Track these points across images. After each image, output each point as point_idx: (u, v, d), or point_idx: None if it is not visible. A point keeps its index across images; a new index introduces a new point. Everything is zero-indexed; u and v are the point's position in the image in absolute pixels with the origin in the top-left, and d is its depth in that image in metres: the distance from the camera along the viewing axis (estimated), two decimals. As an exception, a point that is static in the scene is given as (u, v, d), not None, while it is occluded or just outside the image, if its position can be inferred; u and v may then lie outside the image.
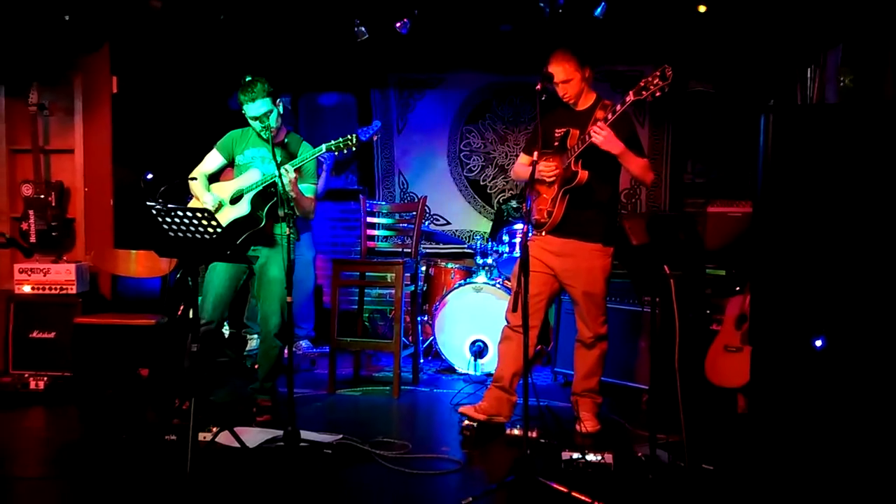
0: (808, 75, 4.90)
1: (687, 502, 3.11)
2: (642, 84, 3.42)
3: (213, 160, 4.19)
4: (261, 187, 3.94)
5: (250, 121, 4.01)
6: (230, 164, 4.18)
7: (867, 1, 4.29)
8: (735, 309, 4.21)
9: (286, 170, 3.80)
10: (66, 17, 4.90)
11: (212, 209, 3.92)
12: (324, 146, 3.92)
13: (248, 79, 3.98)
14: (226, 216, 3.96)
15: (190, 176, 4.15)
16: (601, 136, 3.55)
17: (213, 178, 4.21)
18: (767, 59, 5.51)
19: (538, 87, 3.42)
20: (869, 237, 2.50)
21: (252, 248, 4.06)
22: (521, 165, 4.09)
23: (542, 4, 5.02)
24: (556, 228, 3.80)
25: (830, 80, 4.67)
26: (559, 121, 3.87)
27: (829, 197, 2.53)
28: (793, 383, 2.60)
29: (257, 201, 3.96)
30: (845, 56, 4.49)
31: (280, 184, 3.68)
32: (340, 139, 3.92)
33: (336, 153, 3.94)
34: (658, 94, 3.39)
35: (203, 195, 4.07)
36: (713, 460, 3.32)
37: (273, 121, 3.97)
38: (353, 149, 3.94)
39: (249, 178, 4.00)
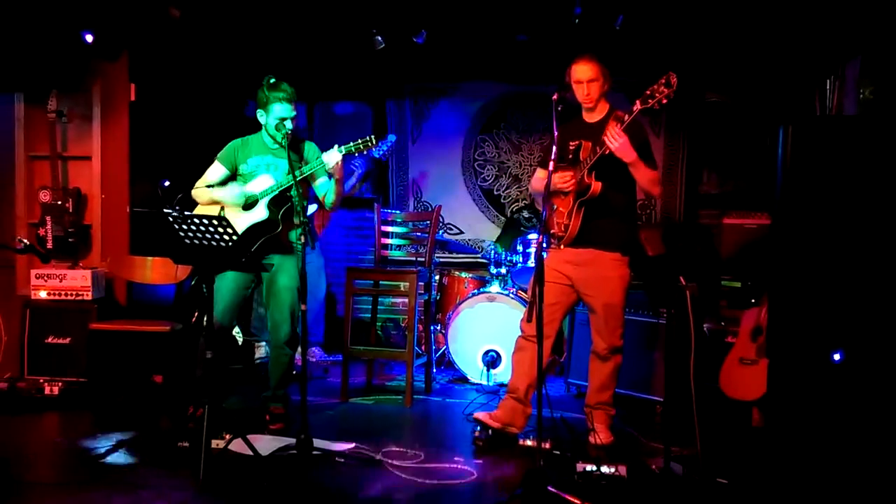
0: (828, 87, 4.88)
1: (702, 516, 3.09)
2: (648, 92, 3.45)
3: (215, 172, 4.14)
4: (277, 192, 3.93)
5: (272, 121, 3.95)
6: (233, 174, 4.14)
7: (886, 12, 4.26)
8: (751, 321, 4.18)
9: (301, 171, 3.82)
10: (86, 28, 4.95)
11: (239, 203, 3.94)
12: (342, 148, 3.88)
13: (272, 80, 3.96)
14: (243, 221, 3.96)
15: (195, 187, 4.14)
16: (617, 142, 3.54)
17: None
18: (785, 70, 5.48)
19: (555, 96, 3.41)
20: (888, 251, 2.48)
21: (265, 256, 4.06)
22: (538, 179, 4.06)
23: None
24: (574, 241, 3.79)
25: (850, 92, 4.65)
26: (572, 133, 3.85)
27: (848, 210, 2.51)
28: (810, 397, 2.58)
29: (273, 206, 3.96)
30: (864, 68, 4.47)
31: (296, 190, 3.68)
32: (360, 140, 3.88)
33: (356, 154, 3.92)
34: (664, 101, 3.41)
35: (219, 192, 4.03)
36: (728, 474, 3.29)
37: (290, 125, 3.97)
38: (373, 150, 3.92)
39: (262, 184, 3.98)
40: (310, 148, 4.16)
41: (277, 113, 3.94)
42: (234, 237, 3.23)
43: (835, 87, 4.81)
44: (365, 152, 3.93)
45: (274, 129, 3.95)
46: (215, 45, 5.65)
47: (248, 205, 4.00)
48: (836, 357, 2.50)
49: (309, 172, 3.96)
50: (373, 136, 3.90)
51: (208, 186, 4.12)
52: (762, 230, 4.89)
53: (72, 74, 5.16)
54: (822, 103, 4.99)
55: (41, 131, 5.13)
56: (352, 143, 3.89)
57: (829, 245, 2.54)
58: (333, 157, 3.88)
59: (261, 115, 4.02)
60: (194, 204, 4.18)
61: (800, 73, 5.30)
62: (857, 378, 2.50)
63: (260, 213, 3.94)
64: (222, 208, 4.02)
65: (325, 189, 4.09)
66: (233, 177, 4.15)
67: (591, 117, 3.86)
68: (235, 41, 5.64)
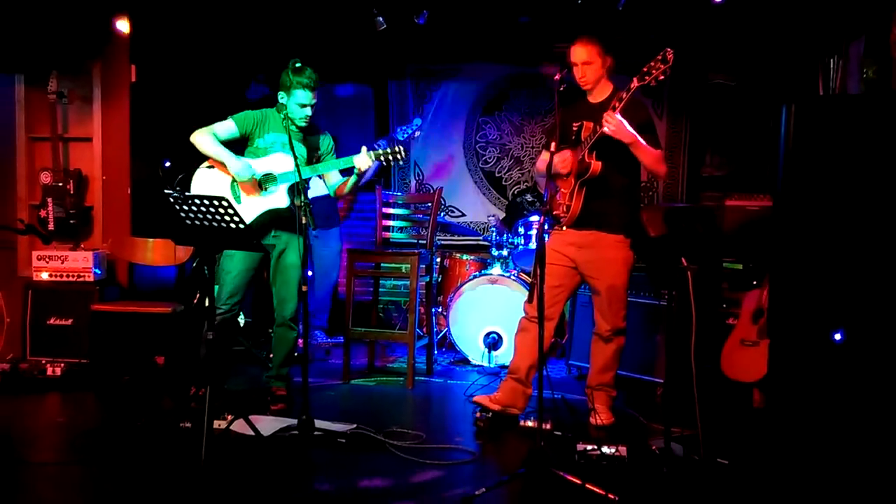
0: (831, 66, 4.84)
1: (701, 496, 3.09)
2: (645, 69, 3.44)
3: (226, 128, 4.01)
4: (294, 182, 3.89)
5: (293, 106, 3.95)
6: (241, 141, 4.09)
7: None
8: (752, 303, 4.18)
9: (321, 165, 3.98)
10: (88, 9, 4.92)
11: (244, 178, 3.93)
12: (372, 153, 3.95)
13: (298, 64, 3.93)
14: (260, 205, 3.96)
15: (199, 132, 4.00)
16: (612, 124, 3.53)
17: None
18: (788, 50, 5.45)
19: (557, 77, 3.40)
20: (890, 231, 2.46)
21: (273, 233, 4.06)
22: (542, 161, 4.05)
23: None
24: (576, 222, 3.78)
25: (853, 71, 4.61)
26: (576, 114, 3.84)
27: (850, 190, 2.50)
28: (811, 377, 2.58)
29: (290, 192, 3.99)
30: (868, 47, 4.44)
31: (298, 175, 3.68)
32: (388, 150, 3.97)
33: (383, 163, 4.02)
34: (661, 77, 3.41)
35: (228, 157, 3.94)
36: (728, 454, 3.30)
37: (309, 112, 3.99)
38: (400, 163, 3.96)
39: (280, 165, 3.95)
40: (325, 140, 4.19)
41: (299, 99, 3.94)
42: (236, 217, 3.21)
43: (838, 67, 4.78)
44: (392, 160, 4.01)
45: (303, 116, 3.97)
46: (216, 26, 5.62)
47: (264, 185, 3.99)
48: (837, 337, 2.50)
49: (327, 172, 4.06)
50: (401, 148, 3.98)
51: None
52: (764, 212, 4.87)
53: (72, 55, 5.13)
54: (825, 83, 4.95)
55: (42, 113, 5.11)
56: (380, 150, 3.98)
57: (831, 226, 2.53)
58: (365, 161, 3.96)
59: (282, 98, 3.99)
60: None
61: (803, 52, 5.26)
62: (857, 358, 2.50)
63: (281, 199, 3.96)
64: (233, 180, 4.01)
65: (337, 184, 4.17)
66: (240, 143, 4.10)
67: (595, 98, 3.84)
68: (237, 23, 5.60)
